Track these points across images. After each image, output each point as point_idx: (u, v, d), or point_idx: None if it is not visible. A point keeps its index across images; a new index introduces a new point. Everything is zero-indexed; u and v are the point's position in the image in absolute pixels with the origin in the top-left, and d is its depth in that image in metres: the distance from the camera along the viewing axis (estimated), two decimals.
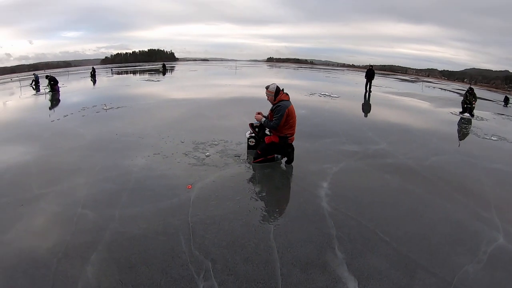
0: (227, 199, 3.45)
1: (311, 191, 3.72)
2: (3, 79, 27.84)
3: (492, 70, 46.15)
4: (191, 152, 4.90)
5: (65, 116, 7.77)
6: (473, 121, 9.16)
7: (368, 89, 14.68)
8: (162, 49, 69.64)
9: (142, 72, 29.08)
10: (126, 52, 66.41)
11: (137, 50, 67.08)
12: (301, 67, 48.51)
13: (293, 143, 4.49)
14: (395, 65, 57.82)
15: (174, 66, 39.86)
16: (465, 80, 39.87)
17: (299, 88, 13.96)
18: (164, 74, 25.10)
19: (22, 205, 3.30)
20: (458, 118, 9.55)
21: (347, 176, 4.25)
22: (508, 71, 42.41)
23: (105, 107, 8.69)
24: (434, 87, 24.61)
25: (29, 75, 22.26)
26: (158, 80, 19.17)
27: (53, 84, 13.07)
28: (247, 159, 4.69)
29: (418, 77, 42.41)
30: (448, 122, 8.83)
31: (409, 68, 54.51)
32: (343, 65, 60.81)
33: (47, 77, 13.59)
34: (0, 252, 2.56)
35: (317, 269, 2.41)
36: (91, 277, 2.27)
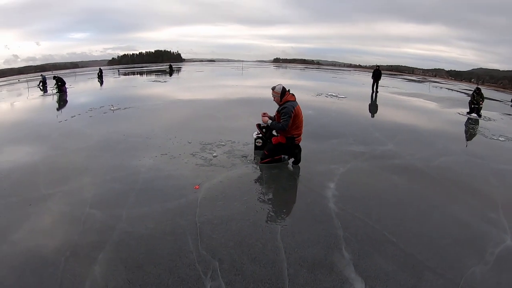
0: (234, 199, 3.46)
1: (318, 192, 3.71)
2: (11, 80, 28.33)
3: (499, 70, 45.32)
4: (198, 153, 4.92)
5: (72, 116, 7.86)
6: (481, 121, 9.04)
7: (375, 90, 14.60)
8: (168, 50, 70.59)
9: (149, 73, 29.31)
10: (133, 53, 67.45)
11: (143, 51, 68.01)
12: (308, 68, 48.35)
13: (300, 144, 4.48)
14: (401, 65, 57.32)
15: (180, 67, 40.18)
16: (472, 80, 39.27)
17: (306, 89, 13.94)
18: (170, 75, 25.27)
19: (30, 204, 3.34)
20: (465, 118, 9.43)
21: (354, 177, 4.22)
22: None
23: (112, 108, 8.77)
24: (441, 87, 24.35)
25: (37, 76, 22.56)
26: (165, 81, 19.29)
27: (61, 85, 13.24)
28: (254, 159, 4.69)
29: (425, 77, 41.99)
30: (455, 123, 8.74)
31: (416, 68, 53.93)
32: (350, 66, 60.44)
33: (54, 78, 13.77)
34: (8, 251, 2.59)
35: (324, 269, 2.40)
36: (98, 276, 2.29)
